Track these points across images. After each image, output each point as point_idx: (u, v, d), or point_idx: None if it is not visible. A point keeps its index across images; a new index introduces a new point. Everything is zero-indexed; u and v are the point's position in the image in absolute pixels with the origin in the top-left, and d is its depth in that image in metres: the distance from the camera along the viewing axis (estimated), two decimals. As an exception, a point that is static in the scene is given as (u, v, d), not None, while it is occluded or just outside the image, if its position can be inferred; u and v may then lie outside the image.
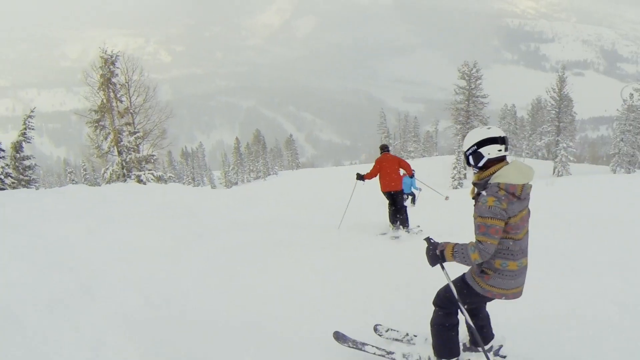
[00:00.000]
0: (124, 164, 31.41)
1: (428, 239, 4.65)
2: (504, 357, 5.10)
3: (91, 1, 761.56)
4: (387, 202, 12.74)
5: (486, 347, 4.90)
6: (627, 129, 61.24)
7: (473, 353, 5.07)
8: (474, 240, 4.19)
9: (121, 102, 32.85)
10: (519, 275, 4.37)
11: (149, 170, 31.96)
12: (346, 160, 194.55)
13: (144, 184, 28.71)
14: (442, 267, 4.60)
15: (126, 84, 33.64)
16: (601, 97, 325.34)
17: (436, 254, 4.49)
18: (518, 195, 4.12)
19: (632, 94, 61.95)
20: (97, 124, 31.91)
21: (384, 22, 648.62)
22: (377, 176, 12.34)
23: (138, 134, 33.08)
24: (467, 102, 63.03)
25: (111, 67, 31.73)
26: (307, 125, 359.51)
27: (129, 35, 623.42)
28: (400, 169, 12.38)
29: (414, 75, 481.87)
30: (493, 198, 4.06)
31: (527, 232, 4.38)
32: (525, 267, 4.43)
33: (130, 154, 31.85)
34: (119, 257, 7.53)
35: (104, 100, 31.61)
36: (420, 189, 23.36)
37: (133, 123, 33.75)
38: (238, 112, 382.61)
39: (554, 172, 63.36)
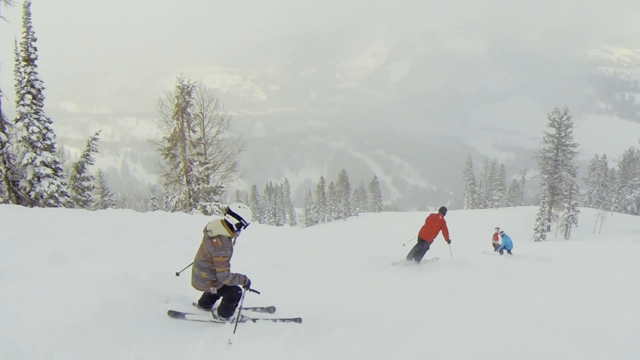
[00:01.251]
0: (192, 193, 31.33)
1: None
2: None
3: (193, 38, 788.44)
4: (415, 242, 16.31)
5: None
6: None
7: None
8: None
9: (194, 132, 33.08)
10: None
11: (216, 201, 31.74)
12: (431, 205, 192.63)
13: (209, 214, 28.56)
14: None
15: (200, 115, 33.67)
16: None
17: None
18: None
19: None
20: (168, 152, 32.20)
21: (477, 68, 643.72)
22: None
23: (208, 165, 33.06)
24: (555, 151, 61.06)
25: (187, 97, 31.88)
26: (395, 168, 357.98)
27: (227, 73, 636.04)
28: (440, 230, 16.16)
29: (505, 123, 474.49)
30: None
31: (197, 254, 7.91)
32: (193, 271, 8.02)
33: (199, 184, 31.83)
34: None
35: (177, 129, 31.86)
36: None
37: (205, 154, 33.93)
38: (328, 152, 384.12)
39: (645, 227, 60.56)
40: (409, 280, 13.72)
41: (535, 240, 51.95)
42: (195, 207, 31.24)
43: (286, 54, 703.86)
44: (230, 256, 7.42)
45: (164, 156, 32.36)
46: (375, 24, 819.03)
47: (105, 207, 35.42)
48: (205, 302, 8.36)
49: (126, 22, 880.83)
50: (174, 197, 31.95)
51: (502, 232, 28.35)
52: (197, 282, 7.63)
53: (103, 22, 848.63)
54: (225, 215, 7.50)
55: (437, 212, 16.59)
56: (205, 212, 29.86)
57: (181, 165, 32.30)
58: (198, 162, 32.89)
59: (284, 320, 8.17)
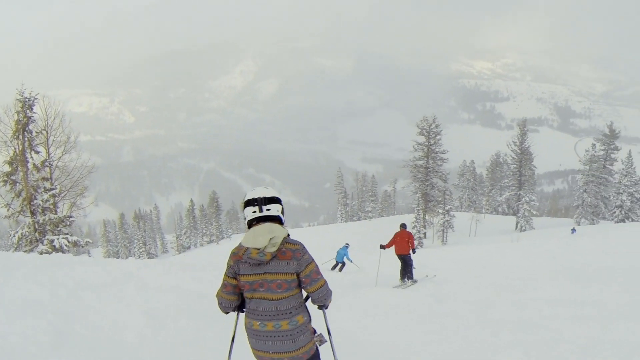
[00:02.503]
0: (37, 226, 26.90)
1: None
2: None
3: (56, 59, 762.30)
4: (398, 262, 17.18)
5: None
6: (590, 180, 60.43)
7: None
8: None
9: (37, 152, 27.41)
10: (259, 339, 4.13)
11: (65, 234, 27.23)
12: (304, 222, 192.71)
13: (58, 250, 24.91)
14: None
15: (44, 132, 28.26)
16: (556, 152, 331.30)
17: None
18: (240, 256, 4.11)
19: (594, 144, 61.58)
20: (7, 178, 26.57)
21: (344, 84, 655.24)
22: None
23: (55, 191, 27.67)
24: (426, 159, 60.68)
25: (28, 111, 26.99)
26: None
27: (94, 95, 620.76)
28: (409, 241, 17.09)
29: (372, 137, 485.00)
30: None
31: (265, 298, 4.08)
32: (261, 334, 4.12)
33: (45, 214, 27.03)
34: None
35: (18, 151, 26.76)
36: (352, 261, 24.76)
37: (51, 178, 28.07)
38: (198, 174, 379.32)
39: (516, 227, 62.07)
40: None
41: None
42: (42, 243, 26.51)
43: (154, 74, 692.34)
44: None
45: (3, 183, 26.64)
46: (244, 43, 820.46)
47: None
48: None
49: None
50: (17, 231, 27.24)
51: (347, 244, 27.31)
52: (292, 344, 4.16)
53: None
54: (261, 210, 4.16)
55: (400, 229, 17.71)
56: (53, 247, 25.66)
57: (24, 193, 26.83)
58: (43, 189, 27.27)
59: None
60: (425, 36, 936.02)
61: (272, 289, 4.05)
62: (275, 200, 4.25)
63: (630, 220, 59.45)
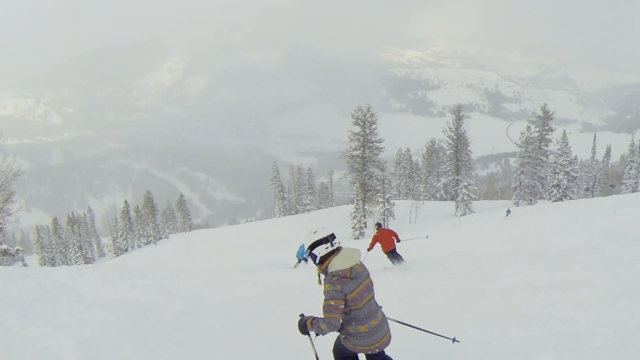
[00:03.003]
0: None
1: (301, 315, 5.70)
2: None
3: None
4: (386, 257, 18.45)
5: None
6: (526, 162, 60.93)
7: None
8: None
9: None
10: (374, 333, 5.41)
11: None
12: (242, 218, 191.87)
13: None
14: (308, 335, 5.70)
15: None
16: (488, 136, 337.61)
17: (302, 323, 5.58)
18: (348, 276, 5.27)
19: (529, 127, 61.99)
20: None
21: (274, 79, 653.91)
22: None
23: None
24: (362, 149, 60.01)
25: None
26: (201, 185, 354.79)
27: (19, 97, 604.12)
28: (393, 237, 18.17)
29: (305, 130, 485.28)
30: (329, 285, 5.23)
31: (370, 298, 5.49)
32: (378, 325, 5.45)
33: None
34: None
35: None
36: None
37: None
38: (130, 174, 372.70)
39: (456, 212, 61.77)
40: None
41: (355, 239, 50.72)
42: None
43: (80, 73, 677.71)
44: None
45: None
46: (171, 40, 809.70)
47: None
48: None
49: None
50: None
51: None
52: (389, 329, 5.75)
53: None
54: (335, 243, 5.58)
55: (378, 229, 18.64)
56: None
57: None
58: (-32, 195, 25.25)
59: None
60: (354, 27, 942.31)
61: (371, 288, 5.59)
62: (334, 236, 5.62)
63: (568, 198, 60.16)
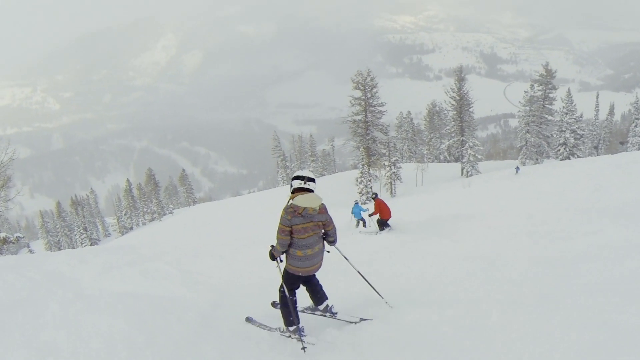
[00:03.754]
0: None
1: (272, 246, 7.03)
2: (336, 313, 7.45)
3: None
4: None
5: (321, 307, 7.49)
6: (531, 121, 60.18)
7: (314, 314, 7.62)
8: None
9: None
10: (306, 260, 6.86)
11: None
12: (244, 189, 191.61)
13: None
14: (276, 261, 7.08)
15: None
16: (486, 98, 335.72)
17: (270, 251, 7.01)
18: (300, 213, 6.61)
19: (532, 85, 61.24)
20: None
21: (269, 49, 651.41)
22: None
23: None
24: (364, 113, 59.53)
25: None
26: (202, 159, 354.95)
27: (15, 86, 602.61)
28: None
29: (303, 98, 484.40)
30: (284, 212, 6.66)
31: (313, 235, 6.86)
32: (312, 255, 6.87)
33: None
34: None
35: None
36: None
37: None
38: (131, 153, 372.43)
39: (462, 173, 61.67)
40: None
41: (362, 204, 50.26)
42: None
43: (74, 58, 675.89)
44: None
45: None
46: (162, 17, 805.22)
47: None
48: (296, 313, 7.31)
49: None
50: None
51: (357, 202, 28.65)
52: (322, 256, 7.30)
53: None
54: (306, 184, 6.90)
55: (376, 198, 19.70)
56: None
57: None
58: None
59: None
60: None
61: (315, 227, 6.88)
62: (312, 180, 6.88)
63: (575, 156, 59.70)
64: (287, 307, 6.97)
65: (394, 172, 56.77)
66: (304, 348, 6.46)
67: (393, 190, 56.54)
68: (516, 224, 13.36)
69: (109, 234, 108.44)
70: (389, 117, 67.92)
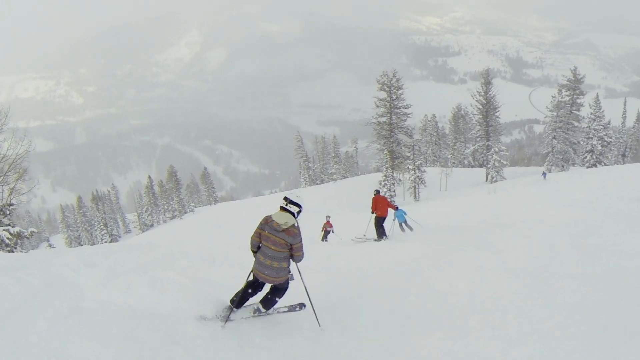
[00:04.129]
0: None
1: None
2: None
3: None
4: (372, 221, 19.62)
5: (254, 305, 8.53)
6: (558, 127, 59.23)
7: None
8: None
9: None
10: (259, 265, 7.94)
11: (6, 225, 23.27)
12: (266, 189, 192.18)
13: (1, 242, 21.82)
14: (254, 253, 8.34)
15: None
16: (511, 102, 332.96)
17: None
18: (268, 222, 7.87)
19: (560, 90, 60.22)
20: None
21: (293, 49, 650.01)
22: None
23: None
24: (389, 115, 59.01)
25: None
26: (224, 157, 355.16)
27: (39, 79, 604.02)
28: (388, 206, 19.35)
29: (326, 99, 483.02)
30: (262, 218, 8.03)
31: (271, 247, 7.83)
32: (263, 262, 7.89)
33: None
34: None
35: None
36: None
37: None
38: (154, 149, 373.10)
39: (487, 178, 60.91)
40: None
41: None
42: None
43: (98, 52, 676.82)
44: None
45: None
46: (186, 13, 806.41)
47: None
48: (241, 301, 8.49)
49: None
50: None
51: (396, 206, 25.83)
52: (277, 274, 8.01)
53: None
54: (287, 205, 8.06)
55: (375, 195, 19.97)
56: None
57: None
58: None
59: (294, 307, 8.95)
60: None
61: (276, 243, 7.82)
62: (295, 204, 8.01)
63: (602, 164, 58.76)
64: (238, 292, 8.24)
65: (418, 176, 56.16)
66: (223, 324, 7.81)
67: (417, 194, 55.95)
68: (555, 235, 12.98)
69: (130, 230, 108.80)
70: (413, 120, 67.28)
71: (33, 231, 25.66)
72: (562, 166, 60.55)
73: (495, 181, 58.02)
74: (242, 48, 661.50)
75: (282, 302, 8.57)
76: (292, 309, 8.90)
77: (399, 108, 59.91)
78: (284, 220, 7.80)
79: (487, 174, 61.25)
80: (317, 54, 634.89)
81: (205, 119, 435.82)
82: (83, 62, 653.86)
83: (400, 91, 59.70)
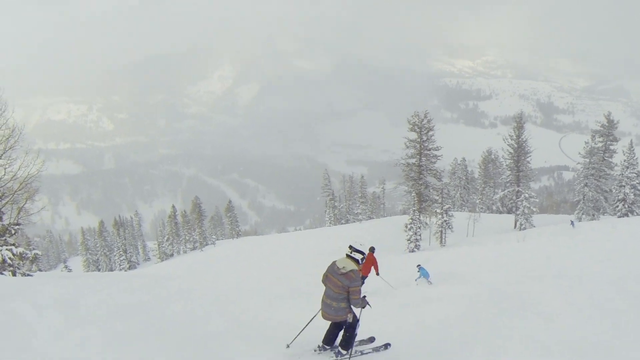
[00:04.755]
0: None
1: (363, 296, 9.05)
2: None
3: (29, 66, 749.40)
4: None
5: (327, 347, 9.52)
6: (590, 174, 57.65)
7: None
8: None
9: None
10: (322, 303, 9.00)
11: (10, 245, 22.44)
12: (290, 226, 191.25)
13: (3, 262, 20.94)
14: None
15: None
16: (541, 148, 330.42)
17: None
18: (332, 265, 8.98)
19: (593, 136, 58.69)
20: None
21: (325, 86, 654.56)
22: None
23: None
24: (419, 156, 57.86)
25: None
26: (250, 191, 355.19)
27: (72, 103, 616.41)
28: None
29: (356, 139, 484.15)
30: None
31: (330, 288, 8.84)
32: (323, 302, 8.95)
33: None
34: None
35: None
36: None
37: None
38: (180, 180, 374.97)
39: (515, 225, 59.07)
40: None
41: (410, 251, 48.10)
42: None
43: (131, 80, 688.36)
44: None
45: None
46: (221, 47, 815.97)
47: None
48: (331, 339, 9.49)
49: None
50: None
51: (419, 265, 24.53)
52: (335, 313, 8.86)
53: None
54: (351, 252, 8.96)
55: (371, 252, 18.81)
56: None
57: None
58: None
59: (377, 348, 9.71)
60: (404, 35, 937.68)
61: (336, 285, 8.72)
62: (358, 251, 8.93)
63: (635, 214, 56.94)
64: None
65: (445, 221, 54.63)
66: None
67: (443, 240, 54.43)
68: (602, 299, 11.70)
69: (149, 258, 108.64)
70: (442, 163, 66.15)
71: (37, 253, 24.53)
72: (593, 215, 58.81)
73: (524, 228, 56.19)
74: (275, 84, 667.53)
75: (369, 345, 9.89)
76: (376, 349, 9.73)
77: (429, 150, 58.68)
78: (343, 264, 8.83)
79: (516, 221, 59.48)
80: (348, 93, 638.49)
81: (233, 153, 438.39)
82: (116, 89, 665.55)
83: (431, 132, 58.50)
